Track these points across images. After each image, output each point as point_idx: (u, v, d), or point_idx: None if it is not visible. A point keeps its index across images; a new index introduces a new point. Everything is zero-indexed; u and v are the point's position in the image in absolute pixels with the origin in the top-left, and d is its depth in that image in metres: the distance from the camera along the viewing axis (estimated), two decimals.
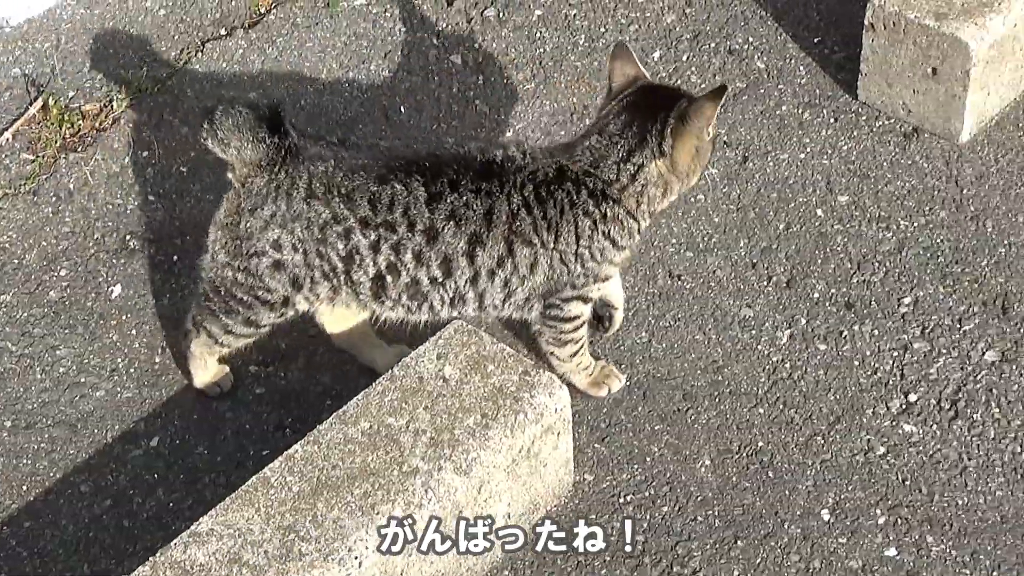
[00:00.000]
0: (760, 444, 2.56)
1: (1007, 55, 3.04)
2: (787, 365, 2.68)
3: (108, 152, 3.18)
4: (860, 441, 2.54)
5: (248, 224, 2.45)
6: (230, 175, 2.49)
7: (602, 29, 3.33)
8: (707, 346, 2.73)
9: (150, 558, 2.19)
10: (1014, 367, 2.62)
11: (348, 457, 2.32)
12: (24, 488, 2.60)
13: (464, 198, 2.40)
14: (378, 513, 2.23)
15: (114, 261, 2.98)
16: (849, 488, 2.48)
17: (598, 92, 3.09)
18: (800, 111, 3.14)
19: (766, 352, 2.70)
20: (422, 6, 3.44)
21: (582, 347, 2.61)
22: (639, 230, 2.49)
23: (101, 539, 2.52)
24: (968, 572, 2.36)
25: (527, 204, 2.41)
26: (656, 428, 2.60)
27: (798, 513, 2.45)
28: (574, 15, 3.40)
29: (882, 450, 2.53)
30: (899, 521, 2.42)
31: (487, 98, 3.23)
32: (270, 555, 2.19)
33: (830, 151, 3.05)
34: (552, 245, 2.43)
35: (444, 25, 3.41)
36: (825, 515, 2.45)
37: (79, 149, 3.19)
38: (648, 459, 2.55)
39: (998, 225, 2.88)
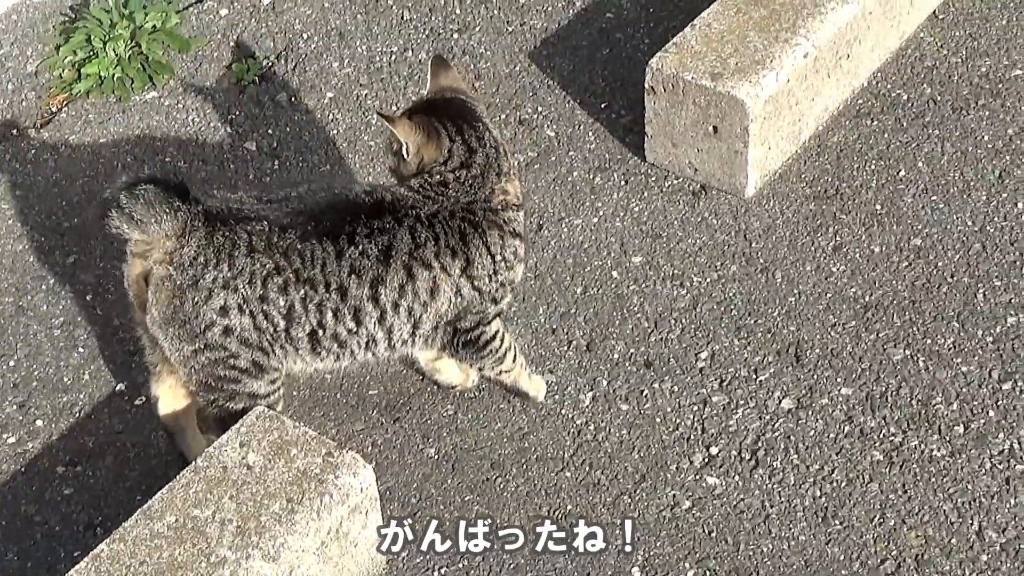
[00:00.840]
0: (569, 507, 2.56)
1: (783, 110, 3.14)
2: (591, 427, 2.69)
3: None
4: (666, 497, 2.56)
5: (193, 299, 2.39)
6: (138, 268, 2.42)
7: (394, 107, 3.34)
8: (512, 414, 2.72)
9: None
10: (809, 412, 2.68)
11: (155, 552, 2.25)
12: None
13: (360, 247, 2.41)
14: None
15: None
16: (658, 544, 2.49)
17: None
18: (591, 176, 3.19)
19: (570, 416, 2.71)
20: (214, 95, 3.41)
21: (516, 349, 2.66)
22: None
23: None
24: None
25: (432, 234, 2.45)
26: (466, 499, 2.58)
27: (609, 573, 2.45)
28: (365, 95, 3.40)
29: (687, 504, 2.55)
30: (707, 573, 2.44)
31: (283, 183, 3.21)
32: None
33: (622, 213, 3.10)
34: (460, 271, 2.47)
35: (237, 113, 3.38)
36: (636, 573, 2.45)
37: None
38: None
39: (787, 275, 2.95)
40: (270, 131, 3.33)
